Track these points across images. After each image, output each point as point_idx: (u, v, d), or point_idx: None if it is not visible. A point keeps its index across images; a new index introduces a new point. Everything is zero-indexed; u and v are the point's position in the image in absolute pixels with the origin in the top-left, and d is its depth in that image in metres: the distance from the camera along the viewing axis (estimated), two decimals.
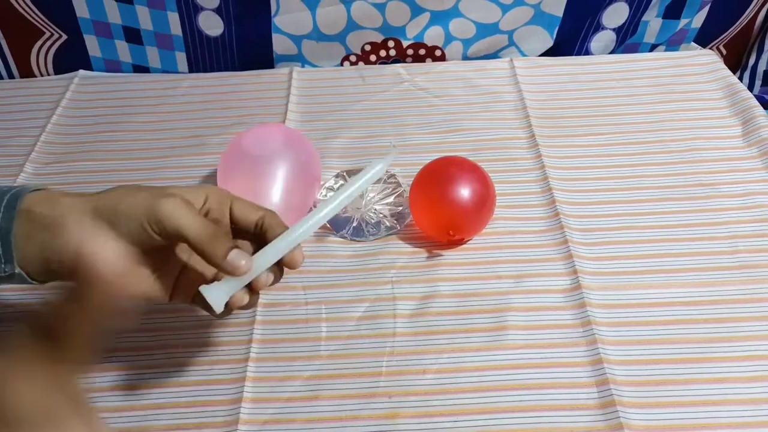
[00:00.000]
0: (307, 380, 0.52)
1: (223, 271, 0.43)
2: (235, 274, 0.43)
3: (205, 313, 0.49)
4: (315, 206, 0.65)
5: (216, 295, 0.44)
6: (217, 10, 0.81)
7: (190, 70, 0.87)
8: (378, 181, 0.68)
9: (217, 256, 0.42)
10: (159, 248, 0.45)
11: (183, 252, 0.48)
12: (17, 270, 0.43)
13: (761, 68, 0.87)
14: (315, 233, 0.64)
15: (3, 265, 0.43)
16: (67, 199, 0.43)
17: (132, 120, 0.79)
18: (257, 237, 0.47)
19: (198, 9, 0.81)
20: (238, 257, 0.42)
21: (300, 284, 0.59)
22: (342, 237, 0.63)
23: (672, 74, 0.83)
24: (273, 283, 0.46)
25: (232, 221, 0.47)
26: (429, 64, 0.87)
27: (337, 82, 0.85)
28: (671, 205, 0.65)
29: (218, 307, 0.44)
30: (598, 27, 0.86)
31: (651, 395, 0.50)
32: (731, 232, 0.62)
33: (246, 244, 0.47)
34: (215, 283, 0.44)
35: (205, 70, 0.87)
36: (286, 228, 0.46)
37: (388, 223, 0.64)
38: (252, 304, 0.46)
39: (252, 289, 0.45)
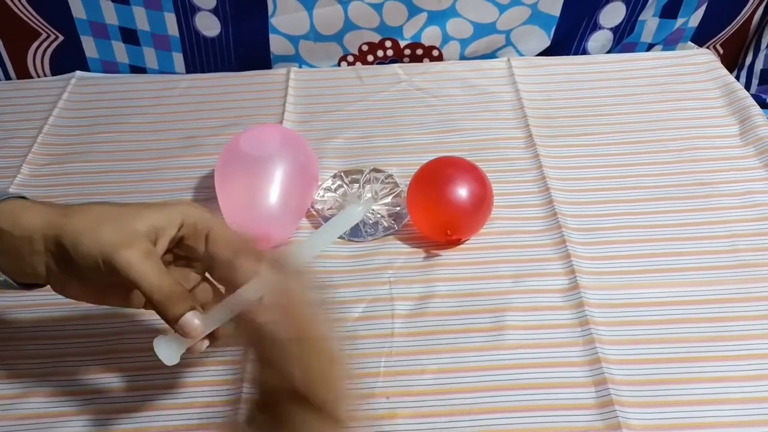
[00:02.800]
0: None
1: (177, 330, 0.41)
2: (188, 337, 0.42)
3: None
4: (313, 207, 0.65)
5: (169, 348, 0.42)
6: (214, 11, 0.81)
7: (188, 71, 0.87)
8: (375, 181, 0.68)
9: (171, 318, 0.41)
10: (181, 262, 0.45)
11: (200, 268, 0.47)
12: (2, 277, 0.43)
13: (758, 67, 0.87)
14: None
15: None
16: (31, 218, 0.42)
17: (129, 121, 0.79)
18: (230, 269, 0.44)
19: (195, 9, 0.81)
20: (192, 320, 0.41)
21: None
22: (340, 237, 0.63)
23: (669, 73, 0.83)
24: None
25: (206, 250, 0.45)
26: (426, 64, 0.87)
27: (334, 82, 0.84)
28: (669, 204, 0.65)
29: (169, 362, 0.42)
30: (595, 27, 0.86)
31: (649, 394, 0.50)
32: (730, 231, 0.62)
33: (207, 289, 0.46)
34: (168, 337, 0.43)
35: (203, 71, 0.87)
36: (256, 270, 0.43)
37: (385, 224, 0.64)
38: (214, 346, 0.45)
39: (212, 336, 0.44)
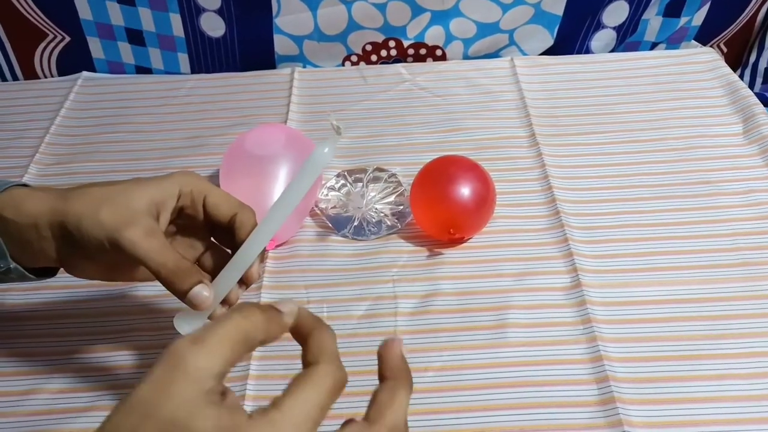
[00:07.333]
0: None
1: (187, 304, 0.42)
2: (200, 309, 0.42)
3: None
4: (317, 206, 0.66)
5: (190, 323, 0.44)
6: (219, 11, 0.82)
7: (193, 71, 0.88)
8: (378, 180, 0.68)
9: (180, 293, 0.42)
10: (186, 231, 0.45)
11: (205, 238, 0.48)
12: (12, 264, 0.44)
13: (762, 66, 0.87)
14: (317, 233, 0.65)
15: None
16: (33, 205, 0.42)
17: (135, 121, 0.80)
18: (231, 232, 0.46)
19: (200, 10, 0.82)
20: (200, 292, 0.42)
21: (302, 283, 0.60)
22: (343, 236, 0.64)
23: (672, 72, 0.83)
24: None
25: (206, 216, 0.46)
26: (430, 64, 0.88)
27: (338, 82, 0.85)
28: (671, 202, 0.66)
29: None
30: (599, 26, 0.86)
31: (651, 392, 0.50)
32: (732, 230, 0.63)
33: (214, 255, 0.47)
34: (187, 313, 0.44)
35: (207, 71, 0.88)
36: (256, 226, 0.45)
37: (389, 222, 0.64)
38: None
39: (226, 303, 0.45)
